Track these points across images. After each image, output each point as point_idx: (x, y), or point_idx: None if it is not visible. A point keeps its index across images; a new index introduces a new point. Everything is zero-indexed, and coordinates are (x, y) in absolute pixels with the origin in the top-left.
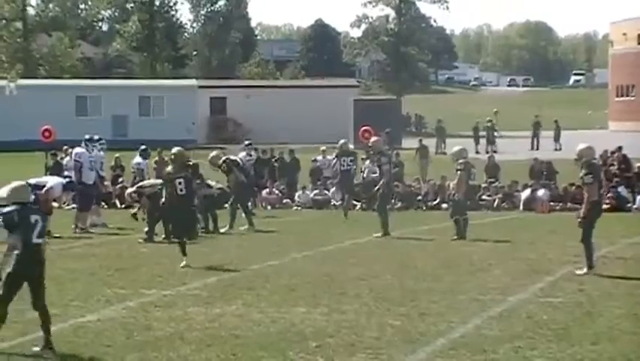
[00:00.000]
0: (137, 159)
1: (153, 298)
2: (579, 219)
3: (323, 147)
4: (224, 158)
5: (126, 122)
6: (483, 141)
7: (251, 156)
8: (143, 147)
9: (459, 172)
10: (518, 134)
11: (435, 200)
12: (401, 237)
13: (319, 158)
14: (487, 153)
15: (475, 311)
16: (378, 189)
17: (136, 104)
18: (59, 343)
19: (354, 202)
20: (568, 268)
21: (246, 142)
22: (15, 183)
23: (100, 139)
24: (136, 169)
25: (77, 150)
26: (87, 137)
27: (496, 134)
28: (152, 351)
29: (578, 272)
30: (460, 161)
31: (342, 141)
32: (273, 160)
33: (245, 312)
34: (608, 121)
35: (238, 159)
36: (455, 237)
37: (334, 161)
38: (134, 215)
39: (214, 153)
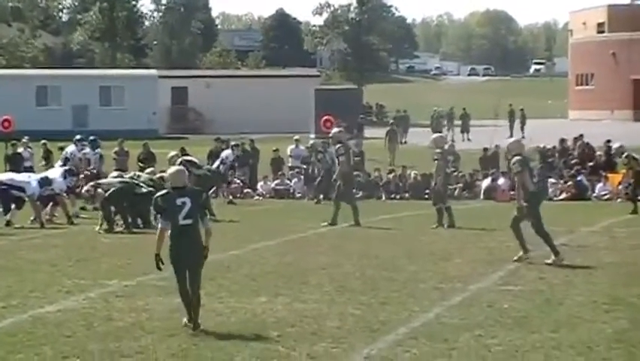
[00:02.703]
0: (86, 149)
1: (114, 288)
2: (519, 207)
3: (296, 137)
4: (180, 160)
5: (86, 113)
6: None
7: (236, 156)
8: (91, 137)
9: (436, 161)
10: (481, 123)
11: (396, 190)
12: (362, 226)
13: (291, 147)
14: (462, 141)
15: (435, 300)
16: (335, 180)
17: (96, 94)
18: (18, 334)
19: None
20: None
21: (233, 143)
22: (172, 169)
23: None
24: (84, 159)
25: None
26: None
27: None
28: (113, 341)
29: (547, 261)
30: (438, 150)
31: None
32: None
33: (206, 302)
34: (568, 110)
35: (195, 159)
36: (435, 225)
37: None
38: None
39: (172, 153)
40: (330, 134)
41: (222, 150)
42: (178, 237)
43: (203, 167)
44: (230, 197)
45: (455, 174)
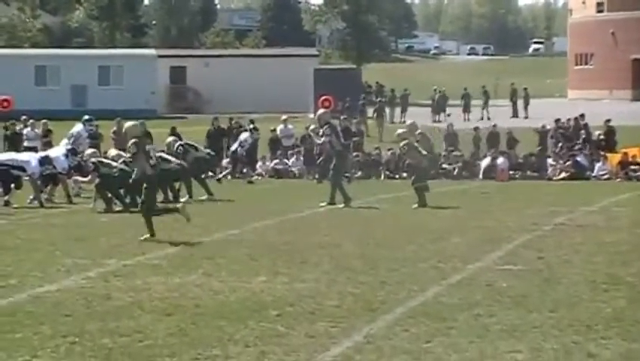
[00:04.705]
0: (79, 127)
1: (113, 267)
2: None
3: (284, 117)
4: (177, 144)
5: (85, 92)
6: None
7: (252, 137)
8: (86, 117)
9: (404, 147)
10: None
11: (395, 169)
12: (361, 206)
13: (280, 127)
14: (464, 120)
15: (434, 279)
16: (325, 160)
17: (95, 73)
18: (17, 313)
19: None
20: (527, 235)
21: (251, 125)
22: None
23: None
24: (74, 137)
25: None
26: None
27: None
28: (112, 321)
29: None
30: (402, 143)
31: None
32: (234, 130)
33: (205, 281)
34: (567, 89)
35: (195, 143)
36: (416, 205)
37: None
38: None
39: (169, 139)
40: (316, 116)
41: (240, 132)
42: None
43: (201, 150)
44: (250, 176)
45: (455, 153)
